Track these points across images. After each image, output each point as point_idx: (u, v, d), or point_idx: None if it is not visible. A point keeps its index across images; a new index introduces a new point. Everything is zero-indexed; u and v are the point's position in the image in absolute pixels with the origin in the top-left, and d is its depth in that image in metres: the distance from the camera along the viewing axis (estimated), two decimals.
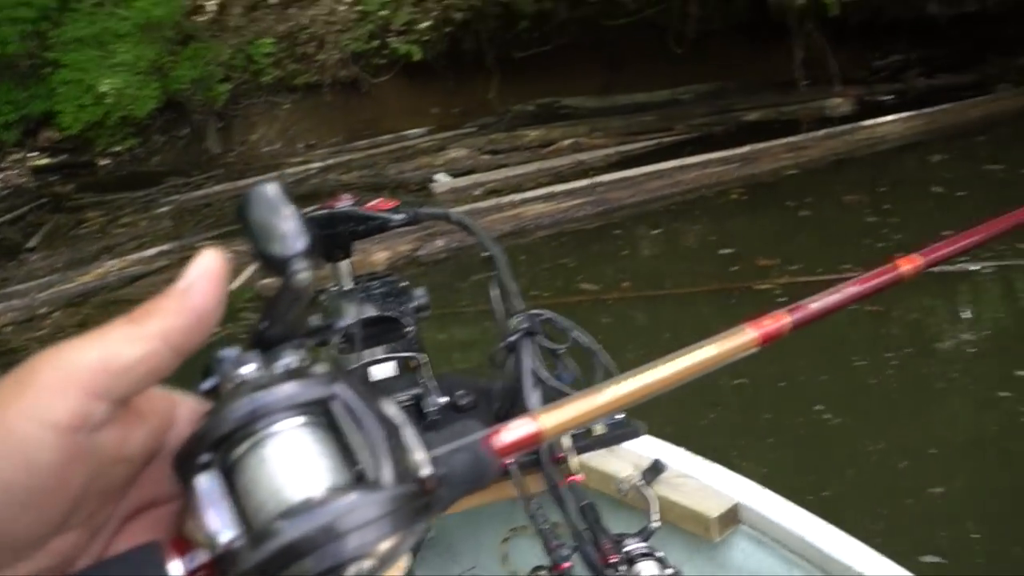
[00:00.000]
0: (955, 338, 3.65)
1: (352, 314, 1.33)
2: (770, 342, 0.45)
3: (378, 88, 10.86)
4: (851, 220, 5.37)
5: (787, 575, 1.12)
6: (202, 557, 0.33)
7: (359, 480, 0.32)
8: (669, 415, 3.36)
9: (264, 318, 0.36)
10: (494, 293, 1.34)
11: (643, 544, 1.07)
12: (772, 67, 10.10)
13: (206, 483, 0.33)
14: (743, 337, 0.44)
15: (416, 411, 1.19)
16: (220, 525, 0.32)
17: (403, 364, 1.39)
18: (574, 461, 1.27)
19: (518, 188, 6.95)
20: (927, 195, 5.59)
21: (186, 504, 0.34)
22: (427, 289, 1.33)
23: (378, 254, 5.38)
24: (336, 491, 0.32)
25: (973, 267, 4.22)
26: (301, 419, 0.33)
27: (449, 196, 7.27)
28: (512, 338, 1.27)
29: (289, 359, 0.36)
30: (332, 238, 1.42)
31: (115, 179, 10.54)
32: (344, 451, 0.33)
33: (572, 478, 1.23)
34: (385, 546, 0.31)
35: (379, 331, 1.42)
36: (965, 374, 3.38)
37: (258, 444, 0.33)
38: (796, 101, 8.83)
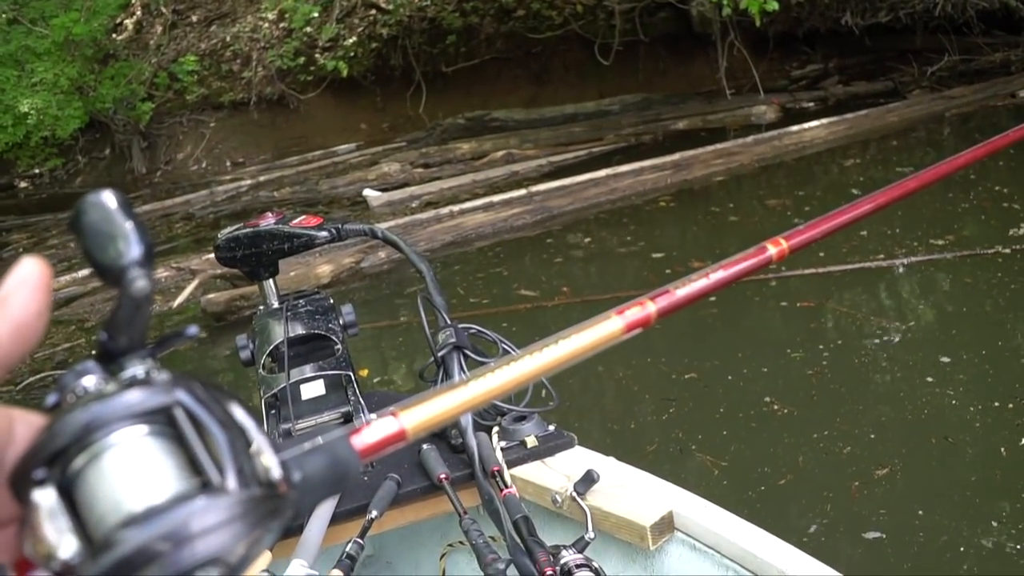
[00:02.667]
0: (882, 329, 3.78)
1: (279, 333, 1.31)
2: (635, 329, 0.45)
3: (306, 105, 10.77)
4: (776, 223, 5.49)
5: None
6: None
7: (205, 486, 0.32)
8: (629, 411, 3.43)
9: (105, 329, 0.35)
10: (423, 308, 1.33)
11: (579, 555, 1.07)
12: (696, 77, 10.30)
13: (42, 499, 0.32)
14: (609, 326, 0.44)
15: None
16: (59, 540, 0.31)
17: (333, 381, 1.37)
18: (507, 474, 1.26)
19: (453, 200, 6.95)
20: (846, 197, 5.71)
21: (25, 523, 0.33)
22: (354, 306, 1.32)
23: (322, 267, 5.33)
24: (180, 498, 0.31)
25: (894, 262, 4.36)
26: (144, 428, 0.33)
27: (386, 209, 7.23)
28: (441, 352, 1.27)
29: (135, 369, 0.35)
30: (257, 256, 1.39)
31: (36, 202, 10.23)
32: (192, 458, 0.33)
33: (507, 491, 1.23)
34: (234, 551, 0.31)
35: (308, 349, 1.41)
36: (894, 362, 3.52)
37: (96, 456, 0.32)
38: (723, 109, 9.01)
